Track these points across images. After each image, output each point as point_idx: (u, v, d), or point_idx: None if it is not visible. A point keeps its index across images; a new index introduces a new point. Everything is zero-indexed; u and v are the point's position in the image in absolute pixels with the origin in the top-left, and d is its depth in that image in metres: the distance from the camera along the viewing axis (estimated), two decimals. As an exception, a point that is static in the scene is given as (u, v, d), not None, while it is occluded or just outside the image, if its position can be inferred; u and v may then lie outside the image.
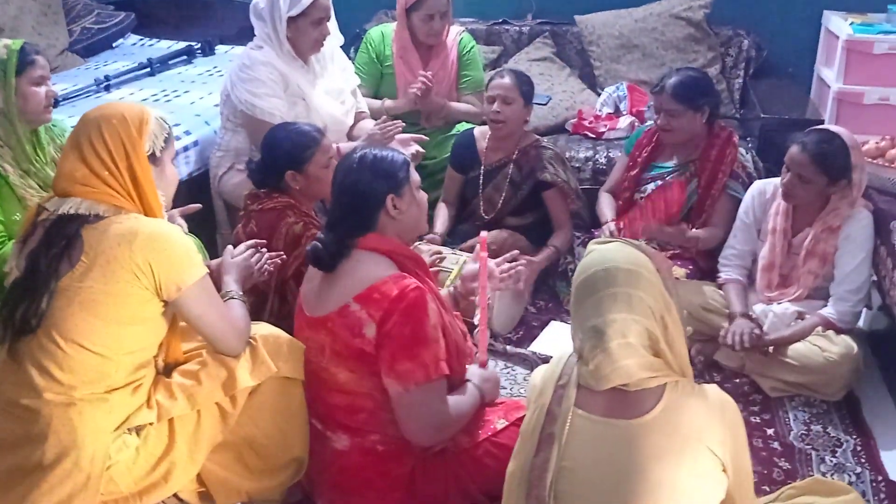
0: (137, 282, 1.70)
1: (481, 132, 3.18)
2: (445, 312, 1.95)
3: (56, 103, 2.38)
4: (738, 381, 2.59)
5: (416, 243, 2.86)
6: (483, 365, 2.08)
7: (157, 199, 1.81)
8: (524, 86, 3.00)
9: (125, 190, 1.76)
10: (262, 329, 1.98)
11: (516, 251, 2.45)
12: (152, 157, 1.82)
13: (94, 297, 1.69)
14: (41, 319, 1.68)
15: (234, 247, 2.18)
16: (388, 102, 3.40)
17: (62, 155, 1.81)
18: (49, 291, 1.69)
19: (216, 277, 2.15)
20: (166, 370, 1.89)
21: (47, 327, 1.69)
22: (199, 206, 2.32)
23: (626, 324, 1.42)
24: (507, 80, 2.98)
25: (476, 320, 2.20)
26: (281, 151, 2.46)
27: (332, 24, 3.01)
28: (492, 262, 2.33)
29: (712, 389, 1.52)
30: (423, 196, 2.01)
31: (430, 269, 2.56)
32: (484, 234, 2.10)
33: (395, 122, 2.92)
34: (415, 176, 1.97)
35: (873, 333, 2.74)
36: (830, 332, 2.46)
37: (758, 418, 2.43)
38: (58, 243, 1.71)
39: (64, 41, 4.12)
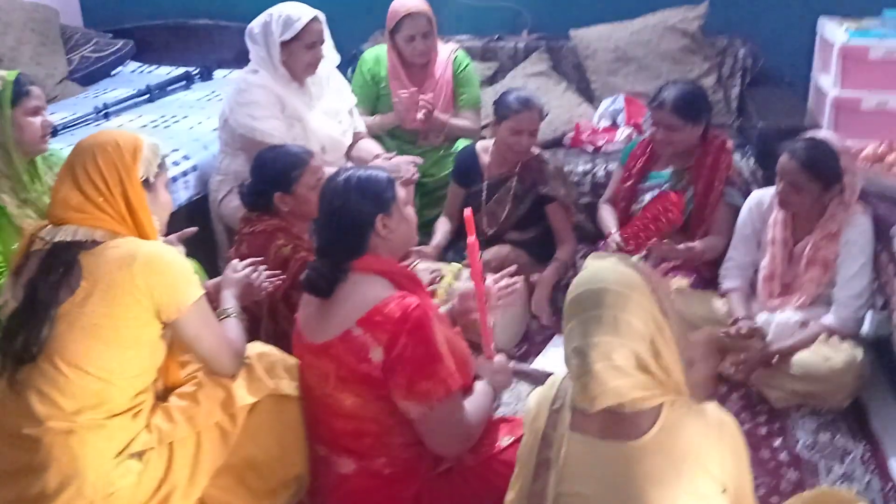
0: (138, 304, 1.71)
1: (483, 147, 3.19)
2: (445, 326, 1.94)
3: (55, 132, 2.41)
4: (743, 392, 2.57)
5: (415, 262, 2.86)
6: (490, 357, 2.07)
7: (151, 223, 1.83)
8: (542, 113, 3.01)
9: (120, 215, 1.78)
10: (256, 348, 1.99)
11: (514, 266, 2.44)
12: (146, 183, 1.83)
13: (95, 321, 1.69)
14: (42, 347, 1.69)
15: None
16: (380, 118, 3.42)
17: (56, 182, 1.82)
18: (49, 319, 1.69)
19: (214, 298, 2.16)
20: (164, 394, 1.89)
21: (49, 354, 1.69)
22: (195, 228, 2.34)
23: (611, 346, 1.39)
24: (534, 113, 2.96)
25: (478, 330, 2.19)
26: (269, 173, 2.47)
27: (329, 44, 3.04)
28: (489, 280, 2.32)
29: (710, 408, 1.49)
30: (411, 211, 2.01)
31: (429, 288, 2.56)
32: (468, 210, 2.05)
33: (404, 157, 2.96)
34: (401, 193, 1.96)
35: (879, 340, 2.72)
36: (834, 339, 2.45)
37: (764, 429, 2.42)
38: (56, 271, 1.71)
39: (63, 70, 4.16)
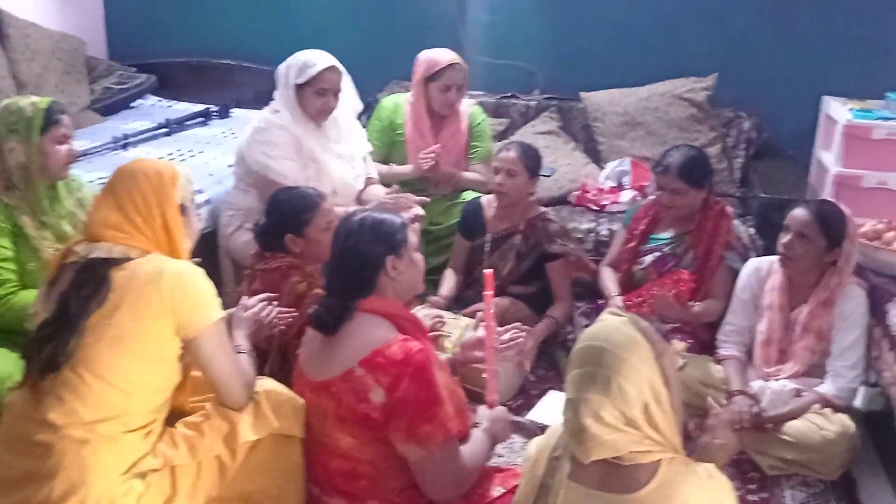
0: (161, 318, 1.77)
1: (488, 201, 3.25)
2: (444, 374, 1.97)
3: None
4: (735, 457, 2.57)
5: (417, 308, 2.89)
6: (492, 405, 2.09)
7: (185, 246, 1.92)
8: (529, 160, 3.08)
9: (156, 236, 1.86)
10: (266, 384, 2.01)
11: (518, 323, 2.48)
12: (182, 209, 1.92)
13: (122, 333, 1.75)
14: (68, 357, 1.73)
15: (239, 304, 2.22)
16: (395, 168, 3.49)
17: (95, 203, 1.90)
18: (78, 331, 1.74)
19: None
20: (170, 419, 1.92)
21: (74, 363, 1.74)
22: (198, 259, 2.38)
23: (600, 405, 1.42)
24: (512, 153, 3.06)
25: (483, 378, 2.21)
26: (281, 215, 2.52)
27: (351, 92, 3.13)
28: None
29: (708, 469, 1.51)
30: (420, 257, 2.06)
31: (430, 334, 2.59)
32: (489, 270, 2.13)
33: (406, 194, 3.04)
34: (412, 237, 2.01)
35: (871, 414, 2.74)
36: (828, 411, 2.47)
37: (755, 496, 2.42)
38: (88, 285, 1.77)
39: (85, 99, 4.24)
